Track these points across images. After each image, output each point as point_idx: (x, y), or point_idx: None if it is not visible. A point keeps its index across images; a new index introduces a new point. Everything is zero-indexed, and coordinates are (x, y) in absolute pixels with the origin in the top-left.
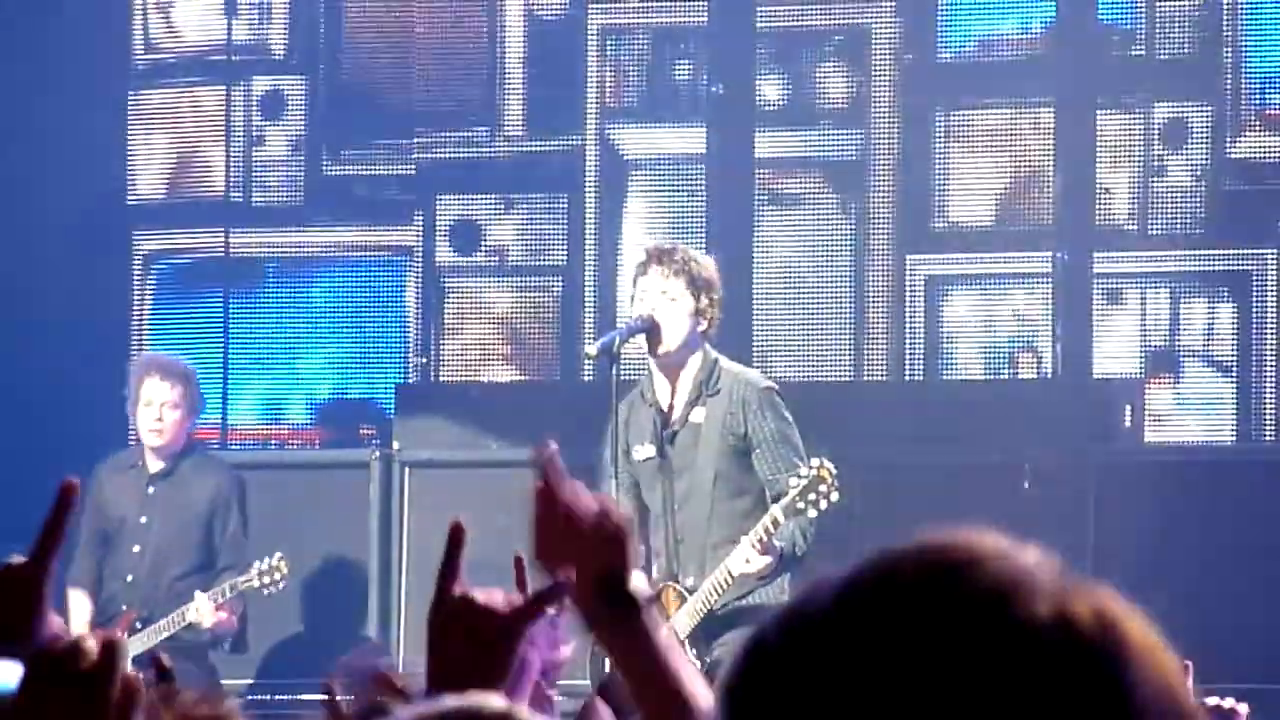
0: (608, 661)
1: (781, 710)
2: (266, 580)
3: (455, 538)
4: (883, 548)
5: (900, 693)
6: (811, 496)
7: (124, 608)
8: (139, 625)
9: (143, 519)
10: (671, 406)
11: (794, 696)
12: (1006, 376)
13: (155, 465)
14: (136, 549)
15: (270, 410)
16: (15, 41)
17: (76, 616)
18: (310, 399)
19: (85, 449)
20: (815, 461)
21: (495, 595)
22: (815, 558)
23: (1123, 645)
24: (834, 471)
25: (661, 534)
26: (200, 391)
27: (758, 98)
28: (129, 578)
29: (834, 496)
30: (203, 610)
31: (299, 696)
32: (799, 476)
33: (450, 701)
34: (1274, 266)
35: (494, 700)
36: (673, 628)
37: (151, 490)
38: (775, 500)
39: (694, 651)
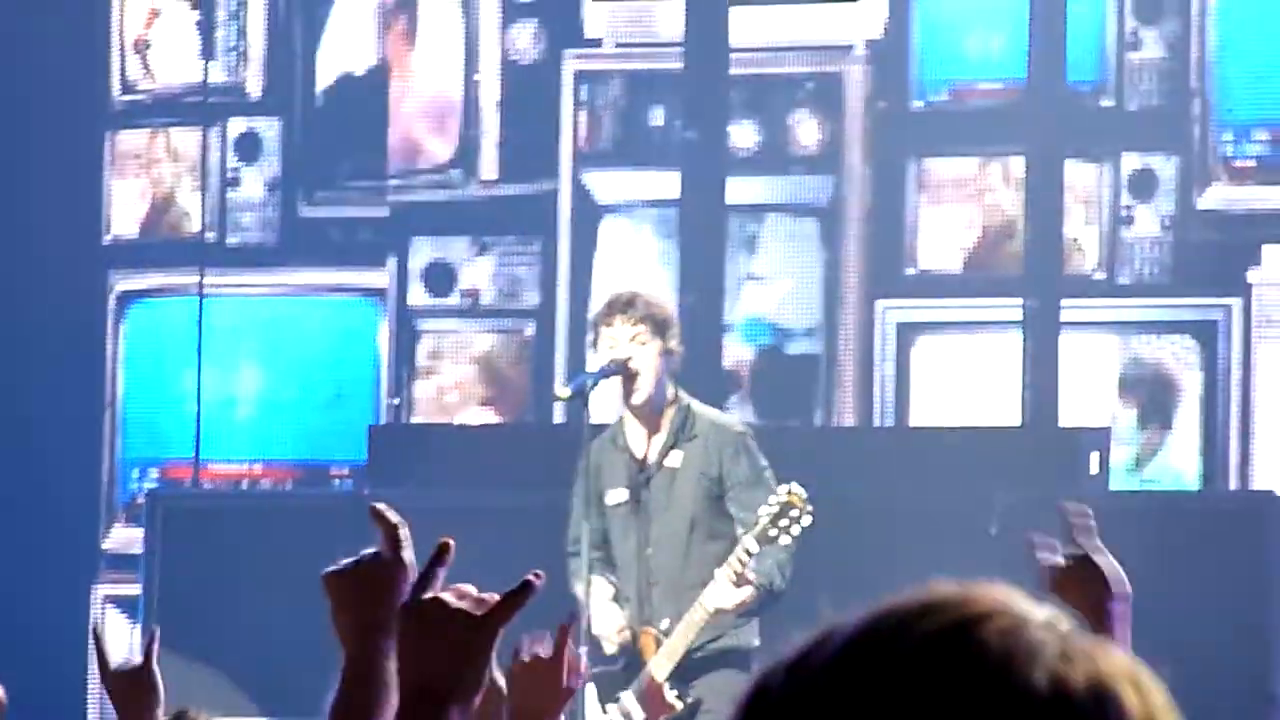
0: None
1: None
2: None
3: (441, 553)
4: (892, 597)
5: None
6: (783, 522)
7: None
8: None
9: None
10: (646, 452)
11: None
12: (975, 423)
13: None
14: None
15: (243, 451)
16: None
17: None
18: (283, 440)
19: (57, 485)
20: (784, 488)
21: (466, 594)
22: (784, 601)
23: (1118, 715)
24: (804, 496)
25: (634, 578)
26: None
27: (730, 143)
28: None
29: (805, 521)
30: None
31: None
32: (768, 505)
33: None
34: (1241, 316)
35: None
36: (651, 670)
37: None
38: None
39: (674, 693)
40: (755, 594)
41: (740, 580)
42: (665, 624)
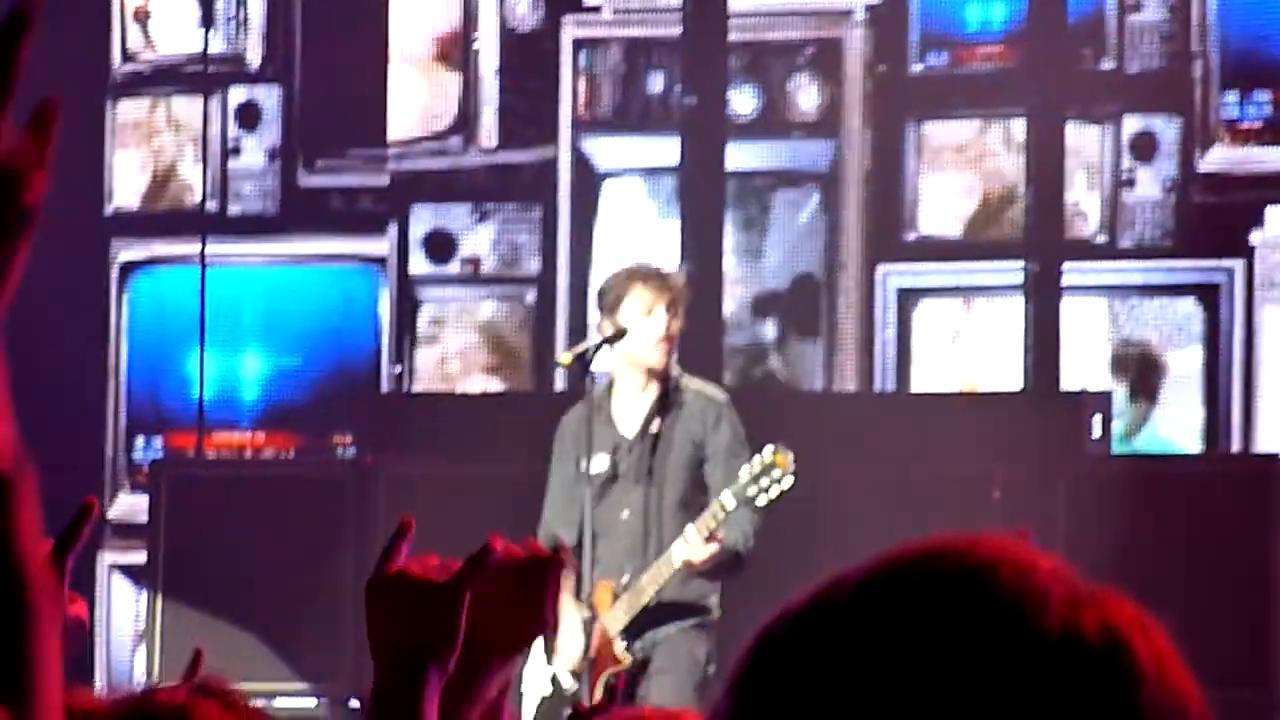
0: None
1: (788, 704)
2: None
3: (403, 530)
4: (903, 546)
5: (905, 696)
6: (764, 482)
7: None
8: None
9: None
10: (632, 419)
11: (801, 691)
12: (976, 388)
13: None
14: None
15: (246, 420)
16: None
17: None
18: (286, 410)
19: (61, 454)
20: (770, 448)
21: (429, 563)
22: (779, 568)
23: (1130, 660)
24: (790, 458)
25: (610, 543)
26: None
27: (730, 109)
28: None
29: (786, 483)
30: None
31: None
32: (750, 464)
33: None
34: (1242, 278)
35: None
36: (604, 623)
37: None
38: None
39: (624, 645)
40: (723, 554)
41: (711, 537)
42: (625, 578)
